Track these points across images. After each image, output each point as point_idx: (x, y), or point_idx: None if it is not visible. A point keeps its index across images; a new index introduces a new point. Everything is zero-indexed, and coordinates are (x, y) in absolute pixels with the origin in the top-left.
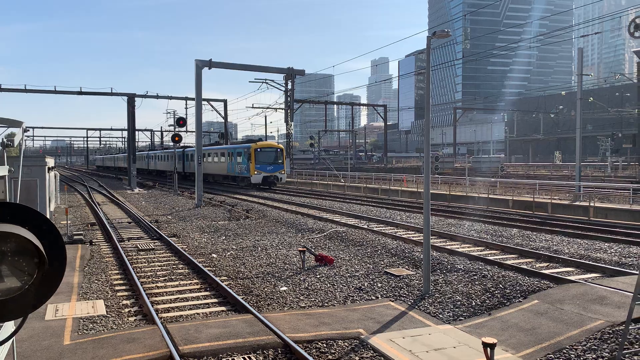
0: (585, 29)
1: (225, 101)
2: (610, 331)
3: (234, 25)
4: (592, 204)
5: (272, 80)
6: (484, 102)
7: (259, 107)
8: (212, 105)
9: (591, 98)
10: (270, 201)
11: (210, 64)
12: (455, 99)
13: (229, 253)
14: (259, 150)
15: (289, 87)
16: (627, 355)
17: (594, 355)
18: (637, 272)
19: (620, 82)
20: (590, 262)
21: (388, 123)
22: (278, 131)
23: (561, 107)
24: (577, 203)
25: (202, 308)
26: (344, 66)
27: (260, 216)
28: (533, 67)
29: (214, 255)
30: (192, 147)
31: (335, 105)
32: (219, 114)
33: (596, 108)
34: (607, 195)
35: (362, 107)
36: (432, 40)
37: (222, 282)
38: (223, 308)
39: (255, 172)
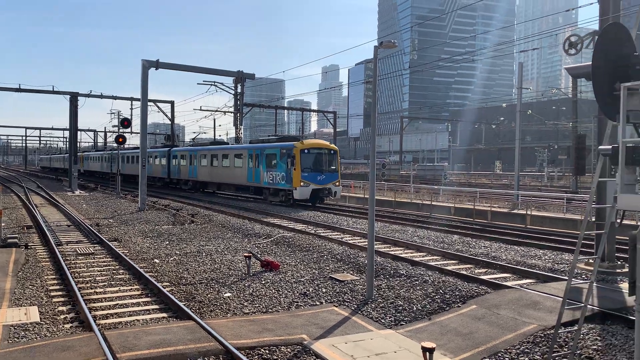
0: (526, 45)
1: (172, 102)
2: (542, 335)
3: (182, 26)
4: (529, 212)
5: (222, 83)
6: (430, 112)
7: (207, 110)
8: (158, 107)
9: (530, 111)
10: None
11: (157, 65)
12: (403, 108)
13: (172, 258)
14: (306, 151)
15: (239, 90)
16: (556, 358)
17: (527, 358)
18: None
19: (557, 96)
20: (525, 269)
21: (338, 130)
22: (227, 135)
23: (502, 118)
24: (515, 211)
25: (143, 315)
26: (294, 72)
27: (206, 221)
28: (477, 80)
29: (157, 261)
30: (159, 148)
31: (285, 110)
32: (166, 115)
33: (534, 120)
34: (543, 204)
35: (312, 113)
36: (381, 49)
37: (164, 288)
38: (164, 314)
39: (302, 184)
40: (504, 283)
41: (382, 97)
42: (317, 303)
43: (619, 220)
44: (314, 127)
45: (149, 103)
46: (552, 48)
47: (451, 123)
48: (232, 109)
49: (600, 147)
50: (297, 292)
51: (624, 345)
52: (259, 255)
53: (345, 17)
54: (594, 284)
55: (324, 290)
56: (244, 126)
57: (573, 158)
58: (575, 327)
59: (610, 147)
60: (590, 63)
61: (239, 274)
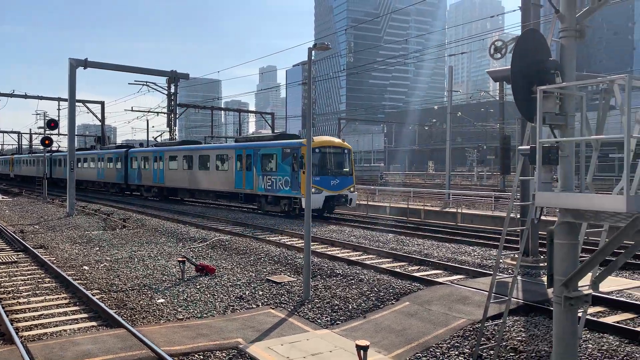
0: (456, 49)
1: (102, 103)
2: (471, 329)
3: (114, 24)
4: (459, 211)
5: (154, 83)
6: (366, 114)
7: (139, 111)
8: (88, 107)
9: (460, 113)
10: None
11: (86, 64)
12: (340, 110)
13: (102, 265)
14: (317, 151)
15: (172, 90)
16: (484, 350)
17: (457, 352)
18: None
19: (485, 98)
20: (456, 265)
21: (276, 131)
22: (161, 136)
23: (434, 120)
24: (446, 209)
25: (70, 324)
26: (231, 72)
27: (139, 225)
28: (410, 82)
29: (86, 268)
30: (113, 149)
31: (222, 111)
32: (96, 116)
33: (465, 122)
34: (473, 202)
35: (250, 114)
36: (318, 51)
37: (94, 295)
38: (94, 323)
39: (313, 190)
40: (436, 279)
41: (320, 98)
42: (254, 306)
43: (539, 217)
44: (251, 128)
45: (77, 103)
46: (481, 52)
47: (386, 125)
48: (165, 110)
49: (519, 147)
50: (233, 295)
51: (545, 335)
52: (193, 260)
53: (282, 19)
54: (519, 278)
55: (260, 292)
56: (179, 127)
57: (499, 158)
58: (501, 320)
59: (529, 147)
60: (510, 67)
61: (173, 279)
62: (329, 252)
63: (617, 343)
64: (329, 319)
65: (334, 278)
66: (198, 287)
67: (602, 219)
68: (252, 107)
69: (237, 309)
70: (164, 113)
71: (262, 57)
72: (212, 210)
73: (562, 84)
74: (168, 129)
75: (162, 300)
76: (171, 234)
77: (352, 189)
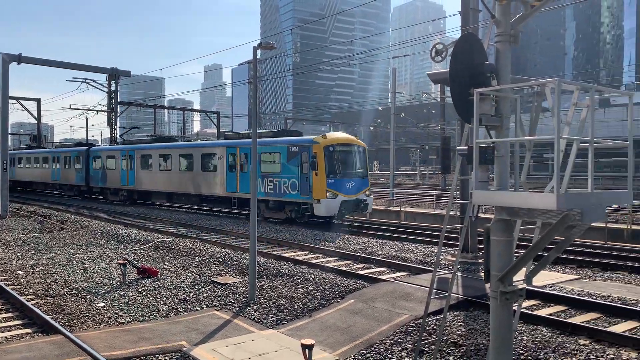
0: (400, 51)
1: (38, 100)
2: (414, 324)
3: (51, 18)
4: (403, 209)
5: (94, 80)
6: (313, 114)
7: (78, 109)
8: (22, 105)
9: (403, 114)
10: None
11: (20, 59)
12: (287, 109)
13: (38, 269)
14: (331, 149)
15: (113, 88)
16: (425, 346)
17: (400, 348)
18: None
19: (427, 100)
20: (399, 262)
21: (222, 130)
22: (102, 135)
23: (379, 120)
24: (391, 208)
25: (3, 332)
26: (175, 70)
27: (78, 227)
28: (356, 83)
29: (20, 272)
30: (71, 147)
31: (165, 110)
32: (31, 114)
33: (408, 123)
34: (416, 200)
35: (194, 112)
36: (264, 51)
37: (28, 301)
38: (29, 330)
39: (328, 195)
40: (380, 277)
41: (266, 97)
42: (198, 308)
43: (476, 214)
44: (196, 127)
45: (11, 100)
46: (424, 55)
47: (333, 125)
48: (106, 108)
49: (458, 147)
50: (177, 298)
51: (483, 329)
52: (135, 262)
53: (228, 17)
54: (458, 274)
55: (205, 294)
56: (120, 125)
57: (440, 158)
58: (442, 315)
59: (467, 147)
60: (448, 70)
61: (114, 282)
62: (276, 252)
63: (550, 334)
64: (274, 319)
65: (280, 278)
66: (140, 290)
67: (534, 216)
68: (196, 106)
69: (180, 312)
70: (104, 111)
71: (207, 55)
72: (207, 218)
73: (497, 86)
74: (109, 128)
75: (102, 305)
76: (112, 236)
77: (367, 192)
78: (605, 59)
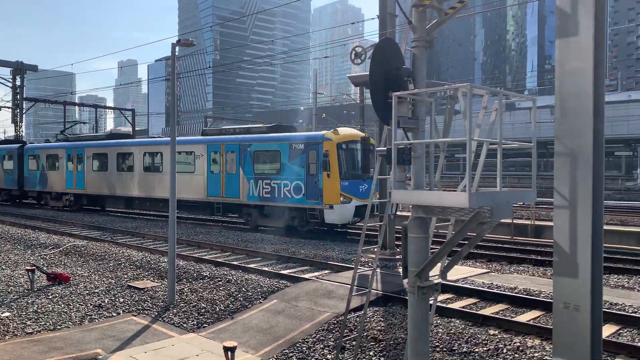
0: (320, 52)
1: None
2: (335, 322)
3: None
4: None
5: None
6: (234, 113)
7: None
8: None
9: (324, 114)
10: None
11: None
12: (207, 108)
13: None
14: (344, 146)
15: (18, 83)
16: (347, 342)
17: (322, 346)
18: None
19: (347, 101)
20: (321, 261)
21: (138, 129)
22: (5, 133)
23: (300, 120)
24: None
25: None
26: (87, 65)
27: None
28: (277, 83)
29: None
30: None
31: (76, 107)
32: None
33: (329, 123)
34: None
35: (108, 110)
36: (182, 47)
37: None
38: None
39: (342, 199)
40: (303, 276)
41: (185, 95)
42: (114, 314)
43: (394, 213)
44: (110, 124)
45: None
46: (344, 57)
47: (254, 124)
48: (10, 104)
49: (377, 148)
50: (91, 304)
51: (402, 323)
52: (44, 268)
53: (146, 12)
54: (378, 271)
55: (121, 299)
56: (27, 123)
57: (360, 158)
58: (363, 312)
59: (385, 148)
60: (368, 73)
61: (21, 290)
62: (196, 254)
63: (463, 326)
64: (195, 322)
65: (201, 281)
66: (50, 297)
67: (449, 213)
68: (110, 103)
69: (95, 319)
70: (8, 108)
71: (123, 50)
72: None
73: (414, 90)
74: (14, 125)
75: (7, 314)
76: (18, 241)
77: (378, 196)
78: (510, 65)
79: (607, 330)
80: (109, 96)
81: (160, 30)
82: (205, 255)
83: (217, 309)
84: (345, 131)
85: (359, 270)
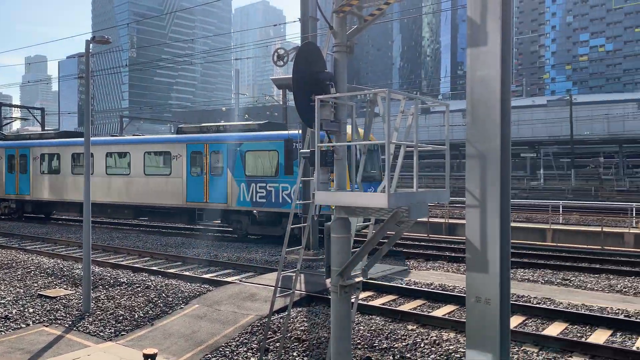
0: (242, 53)
1: None
2: (259, 324)
3: None
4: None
5: None
6: (152, 112)
7: None
8: None
9: (247, 115)
10: None
11: None
12: (123, 107)
13: None
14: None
15: None
16: (270, 344)
17: (245, 349)
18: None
19: (270, 102)
20: (244, 263)
21: (47, 129)
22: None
23: (222, 121)
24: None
25: None
26: None
27: None
28: (198, 82)
29: None
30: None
31: None
32: None
33: None
34: None
35: (13, 108)
36: (97, 44)
37: None
38: None
39: None
40: (225, 279)
41: (98, 94)
42: (23, 325)
43: (318, 214)
44: (17, 124)
45: None
46: (266, 58)
47: (174, 124)
48: None
49: (301, 150)
50: None
51: (325, 323)
52: None
53: (51, 4)
54: (302, 271)
55: (31, 310)
56: None
57: (284, 160)
58: (286, 313)
59: (309, 150)
60: (291, 76)
61: None
62: (113, 260)
63: (383, 323)
64: (112, 330)
65: (118, 287)
66: None
67: (369, 214)
68: (16, 101)
69: (2, 331)
70: None
71: (30, 45)
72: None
73: (336, 94)
74: None
75: None
76: None
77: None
78: (426, 70)
79: (515, 321)
80: (15, 94)
81: (69, 24)
82: (122, 261)
83: (136, 316)
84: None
85: (283, 272)
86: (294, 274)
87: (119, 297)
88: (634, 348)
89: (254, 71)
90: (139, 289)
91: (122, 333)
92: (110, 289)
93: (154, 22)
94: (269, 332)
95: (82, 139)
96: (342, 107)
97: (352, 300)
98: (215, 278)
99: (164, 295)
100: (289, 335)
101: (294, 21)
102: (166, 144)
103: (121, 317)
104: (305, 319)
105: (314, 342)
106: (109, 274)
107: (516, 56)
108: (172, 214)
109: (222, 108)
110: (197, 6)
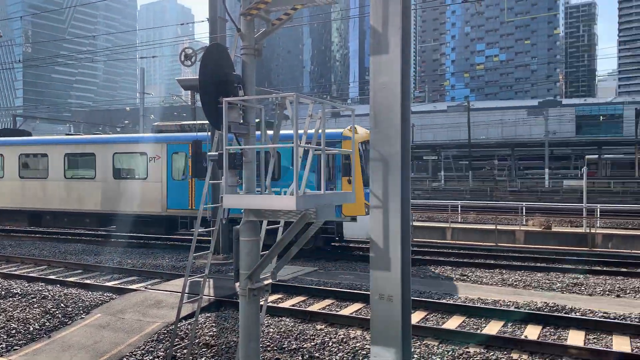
0: (148, 51)
1: None
2: (166, 331)
3: None
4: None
5: None
6: (49, 111)
7: None
8: None
9: (152, 115)
10: None
11: None
12: (16, 105)
13: None
14: (364, 147)
15: None
16: (178, 351)
17: (151, 357)
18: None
19: (179, 103)
20: (150, 270)
21: None
22: None
23: (127, 121)
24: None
25: None
26: None
27: None
28: (100, 81)
29: None
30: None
31: None
32: None
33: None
34: None
35: None
36: None
37: None
38: None
39: (366, 210)
40: (130, 287)
41: None
42: None
43: (227, 217)
44: None
45: None
46: (173, 57)
47: (74, 124)
48: None
49: (209, 153)
50: None
51: (234, 327)
52: None
53: None
54: (211, 276)
55: None
56: None
57: (192, 162)
58: (194, 319)
59: (217, 153)
60: (198, 77)
61: None
62: (5, 270)
63: (293, 324)
64: (4, 345)
65: (11, 299)
66: None
67: (279, 216)
68: None
69: None
70: None
71: None
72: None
73: (244, 97)
74: None
75: None
76: None
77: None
78: (335, 74)
79: (417, 316)
80: None
81: None
82: (15, 271)
83: (32, 329)
84: (360, 129)
85: (190, 277)
86: (202, 279)
87: (11, 310)
88: (522, 336)
89: (160, 70)
90: (34, 299)
91: (15, 348)
92: (1, 301)
93: (52, 15)
94: (177, 339)
95: (34, 138)
96: (250, 110)
97: (262, 302)
98: (119, 286)
99: (62, 305)
100: (197, 341)
101: (203, 21)
102: (142, 144)
103: (14, 331)
104: (214, 324)
105: (223, 347)
106: (0, 285)
107: (419, 64)
108: (149, 223)
109: (126, 108)
110: (100, 1)
